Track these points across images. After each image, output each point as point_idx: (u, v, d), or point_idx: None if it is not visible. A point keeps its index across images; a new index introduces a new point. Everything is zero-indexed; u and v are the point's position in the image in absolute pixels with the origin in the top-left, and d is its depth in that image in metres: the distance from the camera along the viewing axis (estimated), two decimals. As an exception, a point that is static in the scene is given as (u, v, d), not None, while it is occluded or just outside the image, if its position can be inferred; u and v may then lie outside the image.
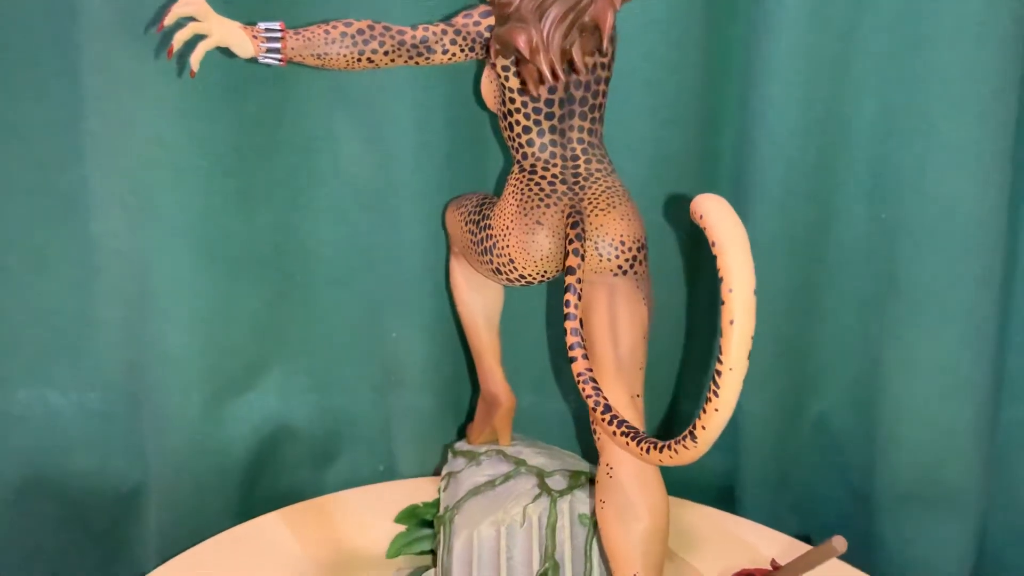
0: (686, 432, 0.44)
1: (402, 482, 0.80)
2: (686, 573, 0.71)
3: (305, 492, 0.82)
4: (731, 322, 0.41)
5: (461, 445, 0.66)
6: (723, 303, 0.41)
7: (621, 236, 0.52)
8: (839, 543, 0.47)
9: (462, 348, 0.81)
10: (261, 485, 0.84)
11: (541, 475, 0.58)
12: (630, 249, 0.52)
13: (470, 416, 0.81)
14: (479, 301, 0.67)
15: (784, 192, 0.79)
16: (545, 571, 0.55)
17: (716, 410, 0.42)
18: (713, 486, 0.90)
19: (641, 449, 0.46)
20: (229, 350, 0.79)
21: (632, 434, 0.46)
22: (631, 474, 0.50)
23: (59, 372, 0.81)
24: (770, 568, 0.58)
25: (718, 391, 0.42)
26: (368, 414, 0.84)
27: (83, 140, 0.74)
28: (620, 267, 0.52)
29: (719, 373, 0.42)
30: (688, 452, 0.44)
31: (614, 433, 0.47)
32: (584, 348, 0.49)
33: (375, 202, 0.76)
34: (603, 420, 0.48)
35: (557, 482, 0.58)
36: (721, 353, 0.42)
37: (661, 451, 0.45)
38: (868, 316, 0.81)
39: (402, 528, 0.71)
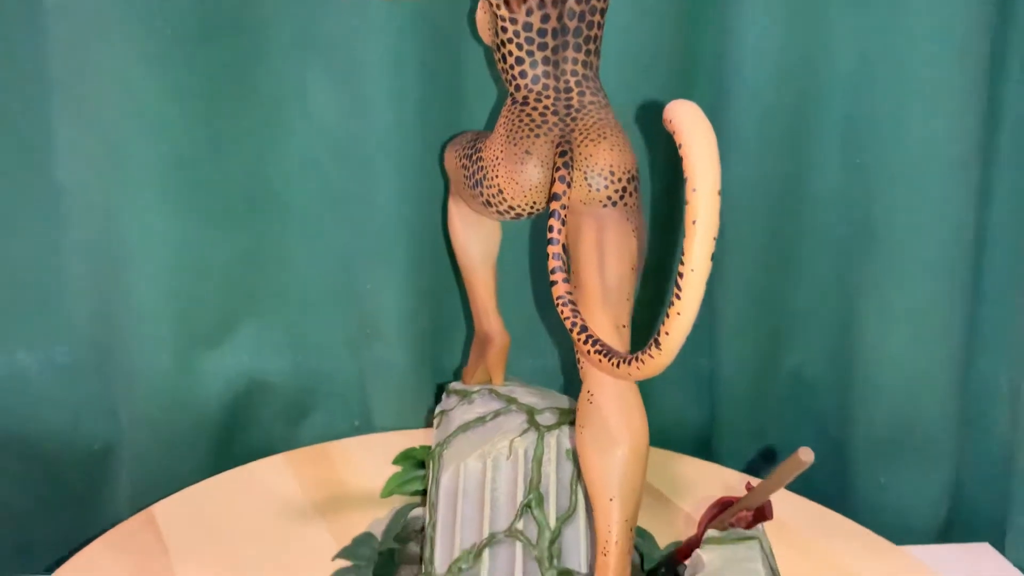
0: (651, 341, 0.44)
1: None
2: (673, 513, 0.71)
3: (279, 448, 0.81)
4: (693, 222, 0.40)
5: (455, 385, 0.66)
6: (686, 203, 0.40)
7: (611, 166, 0.52)
8: (806, 454, 0.46)
9: (458, 288, 0.80)
10: (235, 441, 0.83)
11: (531, 412, 0.58)
12: (620, 180, 0.52)
13: (464, 360, 0.81)
14: (474, 240, 0.67)
15: (760, 141, 0.79)
16: (529, 502, 0.55)
17: (679, 314, 0.42)
18: (690, 438, 0.90)
19: (612, 364, 0.46)
20: (200, 303, 0.78)
21: (605, 351, 0.46)
22: (611, 401, 0.49)
23: (26, 329, 0.79)
24: (746, 493, 0.58)
25: (680, 293, 0.41)
26: (343, 368, 0.83)
27: (48, 88, 0.72)
28: (609, 198, 0.52)
29: (681, 275, 0.41)
30: (654, 360, 0.43)
31: (588, 352, 0.47)
32: (566, 273, 0.49)
33: (348, 151, 0.75)
34: (579, 340, 0.48)
35: (546, 418, 0.58)
36: (683, 254, 0.41)
37: (630, 364, 0.45)
38: (843, 265, 0.82)
39: (398, 469, 0.71)
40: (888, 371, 0.81)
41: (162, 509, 0.69)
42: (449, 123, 0.76)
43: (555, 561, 0.53)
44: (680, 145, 0.40)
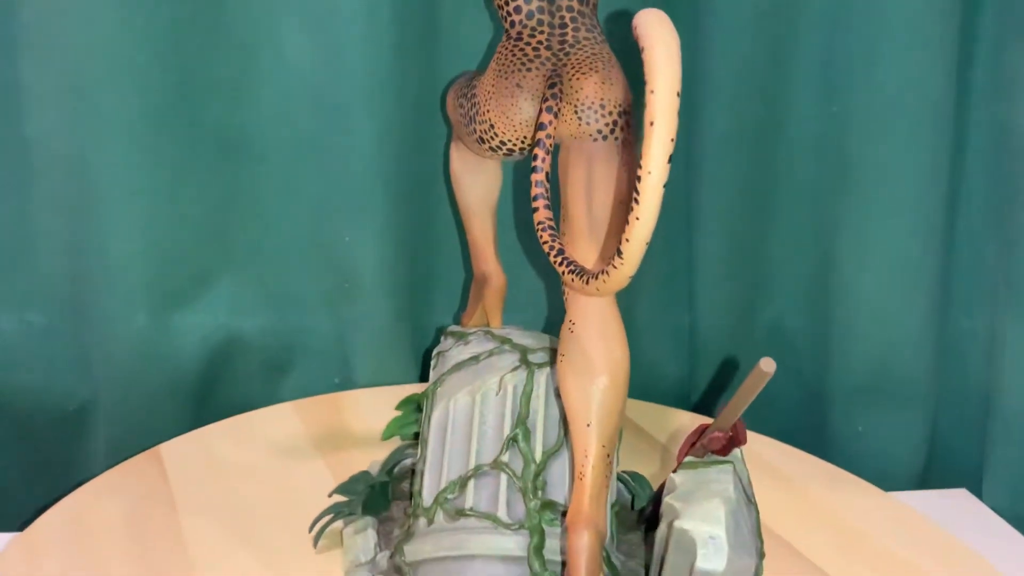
0: (612, 252, 0.43)
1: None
2: (669, 462, 0.72)
3: (258, 405, 0.80)
4: (651, 123, 0.39)
5: (453, 328, 0.65)
6: (646, 105, 0.39)
7: (601, 99, 0.51)
8: (767, 364, 0.46)
9: (458, 232, 0.80)
10: (213, 399, 0.82)
11: (524, 352, 0.58)
12: (611, 113, 0.51)
13: (463, 305, 0.80)
14: (473, 184, 0.66)
15: (736, 88, 0.79)
16: (515, 436, 0.54)
17: (637, 219, 0.41)
18: (669, 393, 0.90)
19: (583, 281, 0.46)
20: (175, 258, 0.77)
21: (577, 270, 0.46)
22: (593, 331, 0.49)
23: (-2, 288, 0.78)
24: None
25: (638, 198, 0.41)
26: (321, 324, 0.82)
27: (15, 35, 0.71)
28: (599, 131, 0.51)
29: (639, 179, 0.41)
30: (618, 271, 0.43)
31: (563, 273, 0.47)
32: (547, 199, 0.49)
33: (322, 99, 0.75)
34: (554, 262, 0.47)
35: (538, 357, 0.58)
36: (641, 157, 0.40)
37: (596, 278, 0.45)
38: (819, 211, 0.82)
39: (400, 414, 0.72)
40: (865, 317, 0.82)
41: (168, 448, 0.70)
42: (426, 69, 0.75)
43: (539, 493, 0.53)
44: (642, 49, 0.40)
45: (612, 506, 0.56)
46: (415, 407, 0.71)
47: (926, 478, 0.86)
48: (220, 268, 0.79)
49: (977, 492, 0.83)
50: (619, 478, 0.64)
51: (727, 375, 0.89)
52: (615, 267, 0.43)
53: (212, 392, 0.82)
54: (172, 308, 0.78)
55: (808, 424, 0.87)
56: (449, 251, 0.83)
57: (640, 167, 0.40)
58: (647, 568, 0.54)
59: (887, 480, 0.82)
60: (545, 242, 0.48)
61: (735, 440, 0.51)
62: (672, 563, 0.46)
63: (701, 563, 0.44)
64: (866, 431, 0.85)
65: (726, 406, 0.50)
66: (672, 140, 0.39)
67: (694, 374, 0.90)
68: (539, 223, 0.48)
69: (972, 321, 0.83)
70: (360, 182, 0.76)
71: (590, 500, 0.48)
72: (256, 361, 0.82)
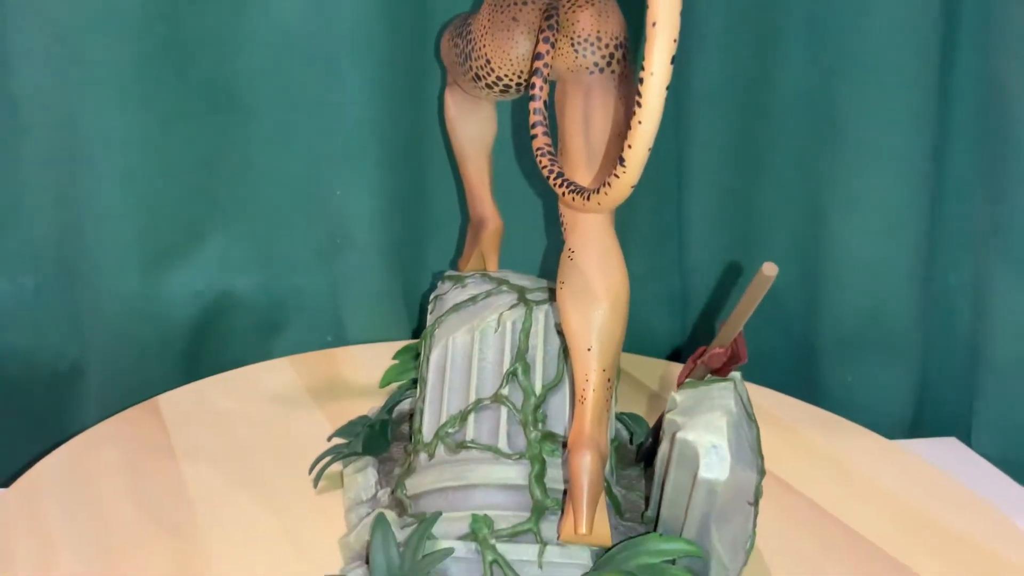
0: (615, 160, 0.44)
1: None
2: (651, 398, 0.73)
3: (251, 363, 0.80)
4: (653, 24, 0.39)
5: (450, 272, 0.65)
6: (647, 7, 0.39)
7: (598, 32, 0.51)
8: (769, 268, 0.46)
9: (454, 178, 0.79)
10: (205, 357, 0.81)
11: (522, 291, 0.58)
12: (607, 46, 0.52)
13: (459, 252, 0.80)
14: (468, 127, 0.65)
15: (726, 41, 0.79)
16: (515, 370, 0.55)
17: (640, 123, 0.41)
18: (660, 350, 0.90)
19: (584, 198, 0.46)
20: (165, 212, 0.77)
21: (578, 190, 0.46)
22: (592, 258, 0.49)
23: (-12, 248, 0.77)
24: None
25: (640, 100, 0.40)
26: (314, 281, 0.82)
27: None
28: (596, 64, 0.51)
29: (641, 81, 0.40)
30: (620, 180, 0.43)
31: (563, 195, 0.47)
32: (546, 126, 0.49)
33: (312, 51, 0.74)
34: (555, 185, 0.47)
35: (537, 295, 0.58)
36: (644, 60, 0.40)
37: (598, 192, 0.45)
38: (808, 163, 0.82)
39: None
40: (854, 268, 0.82)
41: (166, 399, 0.70)
42: (417, 18, 0.75)
43: (540, 425, 0.53)
44: None
45: (612, 441, 0.56)
46: (413, 355, 0.71)
47: (915, 427, 0.87)
48: (211, 224, 0.79)
49: (966, 440, 0.84)
50: (618, 418, 0.64)
51: (715, 329, 0.89)
52: (617, 176, 0.43)
53: (203, 351, 0.81)
54: (163, 265, 0.78)
55: (798, 376, 0.87)
56: (443, 204, 0.82)
57: (643, 68, 0.40)
58: (647, 500, 0.54)
59: (877, 430, 0.82)
60: (544, 167, 0.48)
61: (735, 357, 0.51)
62: (674, 479, 0.46)
63: (704, 472, 0.44)
64: (856, 382, 0.85)
65: (728, 318, 0.51)
66: (675, 41, 0.39)
67: (685, 330, 0.90)
68: (538, 149, 0.49)
69: (960, 271, 0.84)
70: (351, 134, 0.76)
71: (592, 422, 0.48)
72: (248, 319, 0.82)
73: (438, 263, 0.85)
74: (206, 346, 0.81)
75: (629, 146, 0.42)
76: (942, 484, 0.65)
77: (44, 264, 0.78)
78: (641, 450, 0.61)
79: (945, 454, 0.79)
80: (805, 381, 0.87)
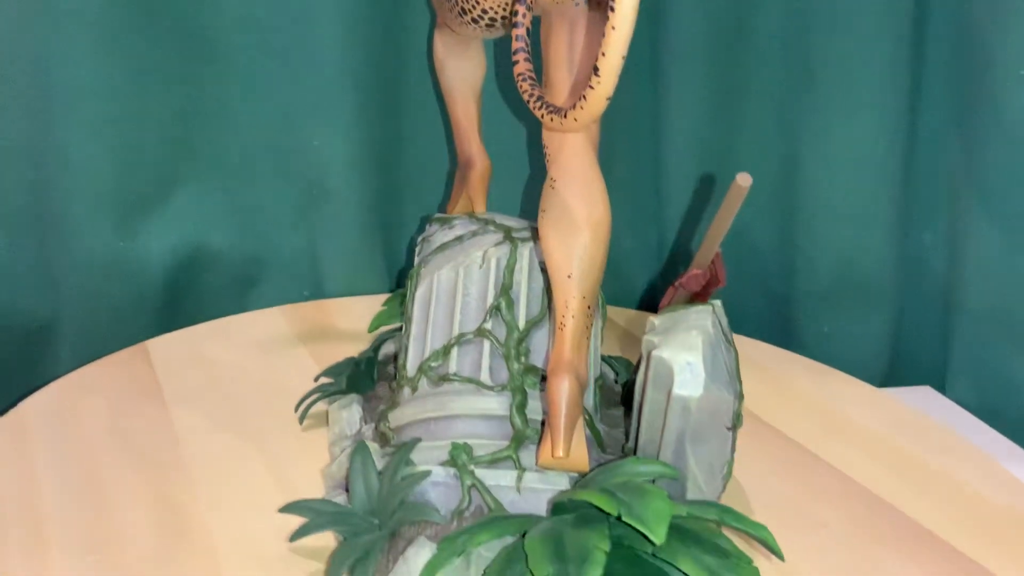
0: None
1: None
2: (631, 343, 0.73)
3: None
4: None
5: (437, 215, 0.66)
6: None
7: None
8: (743, 179, 0.47)
9: (443, 122, 0.79)
10: (180, 313, 0.81)
11: (508, 231, 0.58)
12: None
13: (446, 196, 0.80)
14: (456, 68, 0.65)
15: None
16: (498, 304, 0.55)
17: (613, 28, 0.41)
18: (637, 299, 0.91)
19: (562, 117, 0.46)
20: (138, 165, 0.76)
21: (556, 109, 0.47)
22: (574, 186, 0.49)
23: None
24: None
25: (614, 5, 0.40)
26: (290, 233, 0.82)
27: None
28: None
29: None
30: (595, 91, 0.43)
31: (543, 116, 0.48)
32: (528, 53, 0.49)
33: None
34: (535, 109, 0.48)
35: (523, 234, 0.58)
36: None
37: (574, 107, 0.45)
38: (785, 114, 0.83)
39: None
40: (829, 219, 0.83)
41: (155, 344, 0.71)
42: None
43: (522, 359, 0.54)
44: None
45: (596, 380, 0.57)
46: (401, 300, 0.71)
47: (890, 377, 0.88)
48: (185, 177, 0.78)
49: (941, 389, 0.85)
50: (603, 359, 0.65)
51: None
52: (592, 87, 0.44)
53: (179, 307, 0.81)
54: (136, 219, 0.77)
55: (774, 327, 0.88)
56: (421, 155, 0.82)
57: None
58: (627, 434, 0.55)
59: (852, 380, 0.84)
60: (525, 91, 0.49)
61: (714, 280, 0.52)
62: (650, 399, 0.47)
63: (678, 389, 0.45)
64: (832, 332, 0.87)
65: (708, 231, 0.51)
66: None
67: (664, 283, 0.91)
68: (519, 75, 0.49)
69: (935, 221, 0.85)
70: (327, 83, 0.75)
71: (571, 349, 0.49)
72: (224, 274, 0.82)
73: (417, 215, 0.84)
74: (181, 302, 0.81)
75: (603, 54, 0.42)
76: (927, 427, 0.66)
77: (13, 218, 0.77)
78: (625, 390, 0.61)
79: (920, 402, 0.80)
80: (781, 331, 0.88)
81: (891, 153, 0.81)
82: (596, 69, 0.43)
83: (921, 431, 0.65)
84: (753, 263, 0.89)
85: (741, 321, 0.88)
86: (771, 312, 0.89)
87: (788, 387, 0.70)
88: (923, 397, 0.83)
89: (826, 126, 0.81)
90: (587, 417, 0.54)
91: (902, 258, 0.85)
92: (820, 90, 0.80)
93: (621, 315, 0.81)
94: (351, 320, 0.76)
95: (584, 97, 0.44)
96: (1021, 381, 0.81)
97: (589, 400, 0.55)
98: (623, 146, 0.85)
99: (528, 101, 0.49)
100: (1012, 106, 0.74)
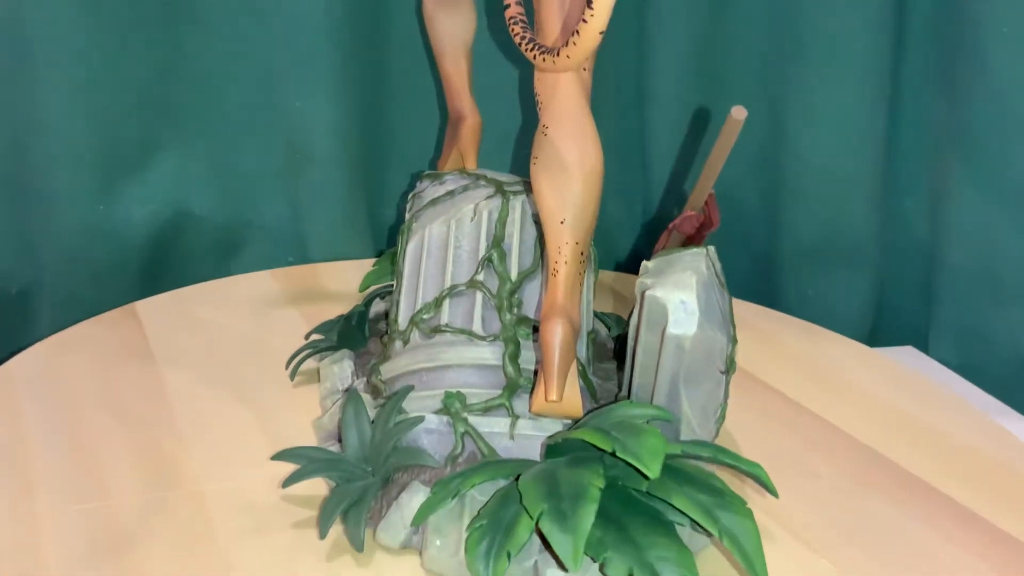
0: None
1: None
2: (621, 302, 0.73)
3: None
4: None
5: (428, 172, 0.65)
6: None
7: None
8: (738, 112, 0.47)
9: (432, 80, 0.78)
10: (162, 279, 0.80)
11: (500, 185, 0.58)
12: None
13: (437, 153, 0.80)
14: (446, 23, 0.65)
15: None
16: (490, 256, 0.55)
17: None
18: (623, 266, 0.91)
19: (555, 56, 0.46)
20: (119, 125, 0.75)
21: (548, 50, 0.47)
22: (566, 134, 0.49)
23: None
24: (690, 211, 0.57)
25: None
26: (273, 197, 0.81)
27: None
28: None
29: None
30: (588, 25, 0.43)
31: (535, 57, 0.47)
32: None
33: None
34: (527, 51, 0.48)
35: (514, 187, 0.58)
36: None
37: (567, 44, 0.45)
38: (769, 75, 0.83)
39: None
40: (813, 179, 0.83)
41: (144, 305, 0.70)
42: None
43: (515, 310, 0.54)
44: None
45: (589, 334, 0.57)
46: (392, 258, 0.71)
47: (873, 338, 0.88)
48: (166, 139, 0.77)
49: (924, 349, 0.85)
50: (596, 315, 0.65)
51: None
52: (585, 21, 0.43)
53: (161, 272, 0.80)
54: (116, 182, 0.76)
55: (759, 290, 0.88)
56: (407, 115, 0.81)
57: None
58: (620, 386, 0.55)
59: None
60: (516, 34, 0.48)
61: (708, 222, 0.52)
62: (644, 342, 0.46)
63: (672, 328, 0.45)
64: (816, 294, 0.87)
65: (704, 168, 0.51)
66: None
67: (651, 244, 0.91)
68: (511, 18, 0.49)
69: (917, 178, 0.85)
70: (309, 43, 0.74)
71: (564, 294, 0.48)
72: (206, 238, 0.81)
73: (403, 178, 0.84)
74: (164, 267, 0.80)
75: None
76: (916, 382, 0.66)
77: None
78: (617, 344, 0.61)
79: (905, 361, 0.81)
80: (765, 294, 0.88)
81: (874, 113, 0.81)
82: (590, 2, 0.42)
83: (910, 386, 0.65)
84: (737, 225, 0.88)
85: (726, 283, 0.88)
86: (755, 275, 0.89)
87: (778, 344, 0.71)
88: (906, 357, 0.83)
89: (810, 86, 0.81)
90: (580, 367, 0.54)
91: (885, 218, 0.85)
92: (804, 50, 0.80)
93: (606, 276, 0.81)
94: (341, 282, 0.75)
95: (577, 32, 0.44)
96: (1002, 339, 0.81)
97: (582, 352, 0.55)
98: (608, 111, 0.84)
99: (520, 44, 0.48)
100: (995, 64, 0.75)
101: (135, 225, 0.78)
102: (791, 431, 0.59)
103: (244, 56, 0.76)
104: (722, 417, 0.50)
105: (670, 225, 0.54)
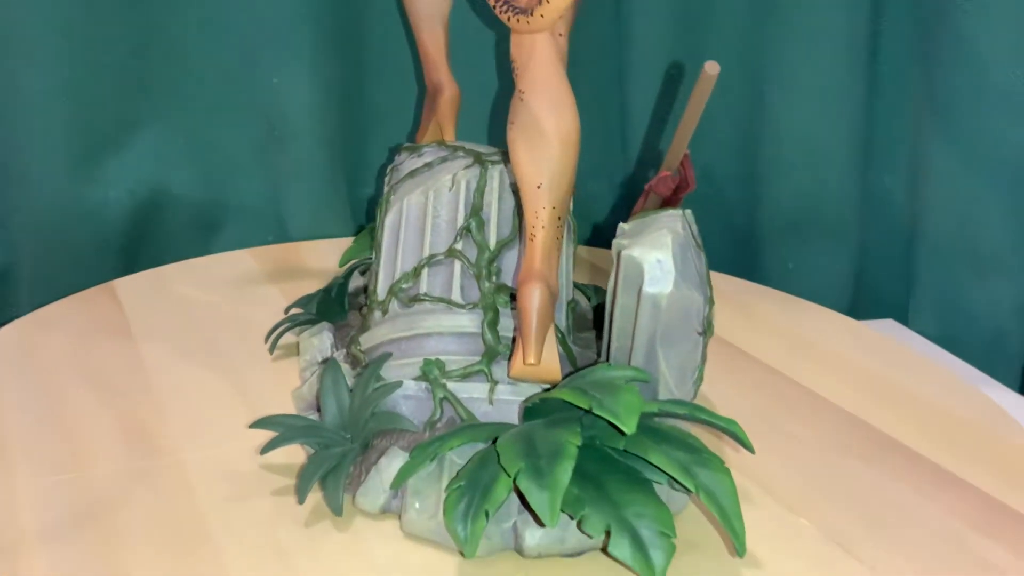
0: None
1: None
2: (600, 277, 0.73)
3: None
4: None
5: (407, 144, 0.65)
6: None
7: None
8: (711, 67, 0.47)
9: (410, 51, 0.78)
10: (141, 258, 0.79)
11: (479, 155, 0.58)
12: None
13: (415, 127, 0.79)
14: None
15: None
16: (468, 225, 0.55)
17: None
18: (603, 243, 0.91)
19: (528, 15, 0.46)
20: (95, 102, 0.74)
21: (521, 10, 0.47)
22: (543, 99, 0.49)
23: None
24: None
25: None
26: (252, 175, 0.80)
27: None
28: None
29: None
30: None
31: (508, 19, 0.47)
32: None
33: None
34: (500, 12, 0.48)
35: (493, 157, 0.58)
36: None
37: (540, 4, 0.45)
38: (747, 43, 0.83)
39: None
40: (793, 150, 0.83)
41: (122, 283, 0.70)
42: None
43: (493, 278, 0.54)
44: None
45: (569, 303, 0.57)
46: (372, 234, 0.70)
47: (853, 311, 0.88)
48: (142, 116, 0.77)
49: (903, 321, 0.86)
50: (576, 286, 0.65)
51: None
52: None
53: (139, 251, 0.79)
54: (93, 160, 0.75)
55: (739, 265, 0.89)
56: (385, 91, 0.81)
57: None
58: (599, 354, 0.55)
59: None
60: (495, 4, 0.49)
61: (684, 183, 0.52)
62: (621, 304, 0.46)
63: (648, 287, 0.45)
64: (796, 268, 0.87)
65: (679, 126, 0.51)
66: None
67: (627, 210, 0.91)
68: None
69: (896, 148, 0.85)
70: (287, 18, 0.74)
71: (541, 259, 0.48)
72: (184, 217, 0.80)
73: (382, 155, 0.83)
74: (142, 246, 0.79)
75: None
76: (894, 350, 0.67)
77: None
78: (596, 313, 0.61)
79: (886, 333, 0.81)
80: (745, 269, 0.88)
81: (853, 82, 0.81)
82: None
83: (889, 353, 0.66)
84: (717, 198, 0.89)
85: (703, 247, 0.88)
86: (735, 249, 0.90)
87: (758, 315, 0.71)
88: (887, 329, 0.83)
89: (788, 56, 0.81)
90: (560, 335, 0.54)
91: (865, 190, 0.86)
92: (781, 18, 0.80)
93: (582, 249, 0.81)
94: (321, 260, 0.75)
95: None
96: (982, 310, 0.82)
97: (562, 321, 0.55)
98: (587, 78, 0.84)
99: (494, 7, 0.48)
100: (973, 31, 0.75)
101: (112, 205, 0.77)
102: (769, 396, 0.59)
103: (221, 32, 0.76)
104: (700, 379, 0.50)
105: (646, 187, 0.54)
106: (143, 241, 0.79)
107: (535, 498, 0.39)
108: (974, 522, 0.47)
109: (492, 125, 0.85)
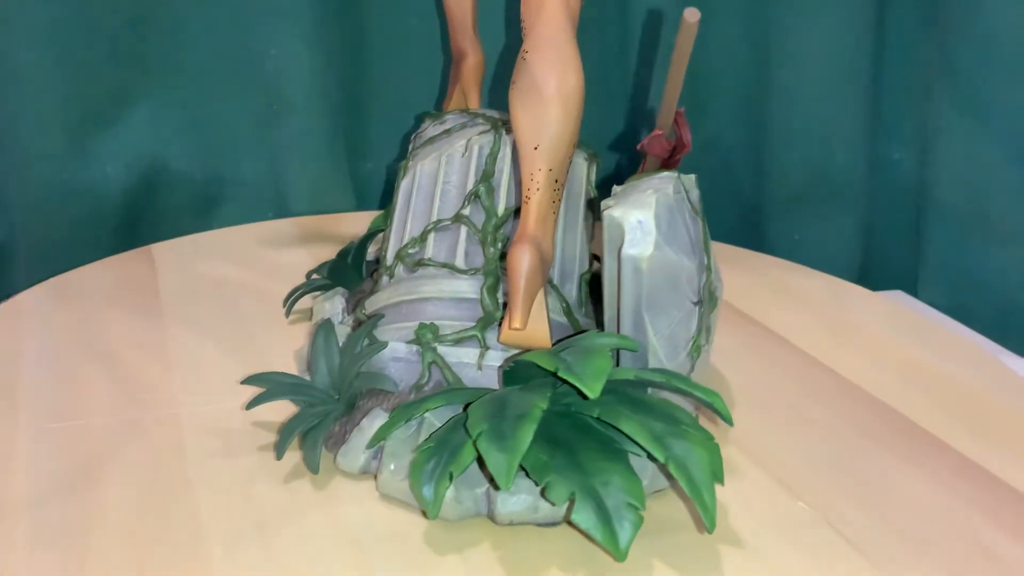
0: None
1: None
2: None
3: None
4: None
5: (431, 111, 0.65)
6: None
7: None
8: (690, 14, 0.45)
9: (411, 22, 0.77)
10: (139, 234, 0.79)
11: (497, 122, 0.57)
12: None
13: (441, 94, 0.78)
14: None
15: None
16: (478, 191, 0.54)
17: None
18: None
19: None
20: (90, 75, 0.73)
21: None
22: (546, 58, 0.48)
23: None
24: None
25: None
26: (251, 149, 0.79)
27: None
28: None
29: None
30: None
31: None
32: None
33: None
34: None
35: (510, 124, 0.57)
36: None
37: None
38: (753, 14, 0.81)
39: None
40: (801, 121, 0.81)
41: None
42: None
43: (498, 244, 0.53)
44: None
45: (583, 275, 0.56)
46: None
47: (861, 282, 0.86)
48: (139, 88, 0.76)
49: (913, 292, 0.84)
50: (596, 257, 0.63)
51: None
52: None
53: (138, 227, 0.79)
54: (90, 135, 0.75)
55: (746, 237, 0.87)
56: (387, 62, 0.79)
57: None
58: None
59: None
60: None
61: (680, 144, 0.50)
62: (607, 267, 0.45)
63: (627, 248, 0.43)
64: (803, 239, 0.85)
65: (667, 82, 0.49)
66: None
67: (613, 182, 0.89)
68: None
69: (903, 115, 0.82)
70: None
71: (535, 221, 0.47)
72: (183, 191, 0.79)
73: (382, 128, 0.82)
74: (140, 223, 0.79)
75: None
76: (916, 324, 0.65)
77: None
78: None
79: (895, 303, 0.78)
80: (752, 241, 0.87)
81: (860, 50, 0.79)
82: None
83: (910, 326, 0.65)
84: (724, 170, 0.87)
85: (711, 231, 0.85)
86: (742, 221, 0.88)
87: (774, 285, 0.70)
88: (896, 301, 0.81)
89: (794, 24, 0.79)
90: (564, 305, 0.53)
91: (873, 159, 0.84)
92: None
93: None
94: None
95: None
96: (993, 279, 0.79)
97: (572, 293, 0.54)
98: (593, 57, 0.82)
99: None
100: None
101: (110, 180, 0.76)
102: (786, 374, 0.58)
103: (218, 2, 0.75)
104: (695, 351, 0.48)
105: (637, 146, 0.52)
106: (140, 218, 0.79)
107: (492, 459, 0.39)
108: (990, 511, 0.44)
109: (492, 91, 0.83)
